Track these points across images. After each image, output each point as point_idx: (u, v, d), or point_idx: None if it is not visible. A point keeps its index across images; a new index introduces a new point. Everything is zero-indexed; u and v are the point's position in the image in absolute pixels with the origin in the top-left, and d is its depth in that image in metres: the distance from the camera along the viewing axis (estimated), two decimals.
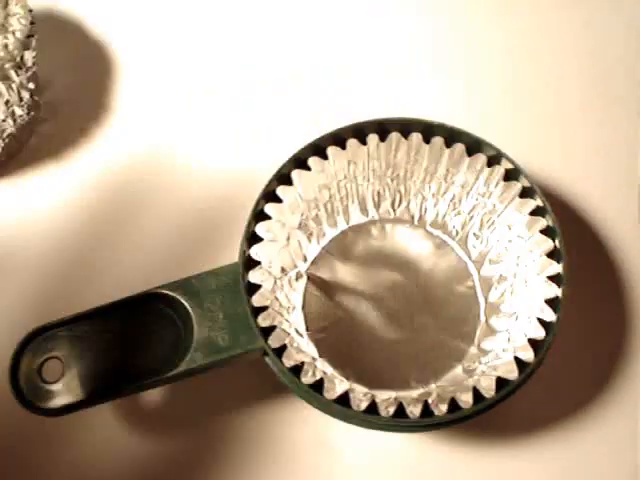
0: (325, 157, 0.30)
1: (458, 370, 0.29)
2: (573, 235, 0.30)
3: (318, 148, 0.30)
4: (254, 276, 0.28)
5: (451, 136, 0.30)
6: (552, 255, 0.28)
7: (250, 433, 0.29)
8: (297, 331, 0.29)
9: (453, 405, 0.26)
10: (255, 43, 0.38)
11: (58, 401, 0.26)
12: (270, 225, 0.29)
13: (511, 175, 0.30)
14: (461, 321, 0.30)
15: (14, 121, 0.33)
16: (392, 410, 0.25)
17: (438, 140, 0.30)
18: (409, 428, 0.26)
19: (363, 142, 0.30)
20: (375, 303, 0.30)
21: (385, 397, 0.27)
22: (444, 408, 0.26)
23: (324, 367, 0.28)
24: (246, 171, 0.32)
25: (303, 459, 0.29)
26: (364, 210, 0.32)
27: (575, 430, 0.29)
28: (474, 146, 0.30)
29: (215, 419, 0.29)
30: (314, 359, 0.28)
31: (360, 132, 0.30)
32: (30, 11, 0.32)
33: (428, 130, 0.30)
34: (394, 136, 0.30)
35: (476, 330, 0.30)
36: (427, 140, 0.30)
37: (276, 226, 0.29)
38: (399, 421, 0.26)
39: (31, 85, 0.33)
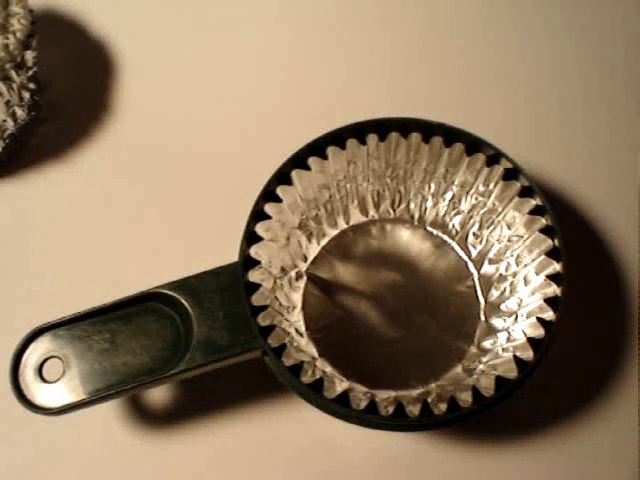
0: (325, 157, 0.30)
1: (458, 369, 0.29)
2: (573, 234, 0.30)
3: (318, 148, 0.30)
4: (254, 276, 0.28)
5: (450, 136, 0.30)
6: (551, 254, 0.28)
7: (250, 433, 0.29)
8: (297, 330, 0.29)
9: (453, 404, 0.26)
10: (257, 40, 0.38)
11: (58, 401, 0.26)
12: (270, 225, 0.29)
13: (510, 174, 0.30)
14: (461, 320, 0.30)
15: (15, 121, 0.33)
16: (392, 409, 0.25)
17: (437, 140, 0.30)
18: (409, 427, 0.26)
19: (363, 142, 0.30)
20: (375, 303, 0.30)
21: (385, 396, 0.27)
22: (443, 407, 0.25)
23: (324, 366, 0.28)
24: (246, 171, 0.32)
25: (303, 459, 0.29)
26: (364, 210, 0.32)
27: (575, 430, 0.29)
28: (473, 146, 0.30)
29: (215, 419, 0.29)
30: (314, 358, 0.28)
31: (360, 132, 0.30)
32: (31, 11, 0.32)
33: (427, 130, 0.30)
34: (394, 136, 0.30)
35: (476, 329, 0.30)
36: (426, 140, 0.30)
37: (276, 226, 0.29)
38: (399, 420, 0.26)
39: (32, 85, 0.33)
